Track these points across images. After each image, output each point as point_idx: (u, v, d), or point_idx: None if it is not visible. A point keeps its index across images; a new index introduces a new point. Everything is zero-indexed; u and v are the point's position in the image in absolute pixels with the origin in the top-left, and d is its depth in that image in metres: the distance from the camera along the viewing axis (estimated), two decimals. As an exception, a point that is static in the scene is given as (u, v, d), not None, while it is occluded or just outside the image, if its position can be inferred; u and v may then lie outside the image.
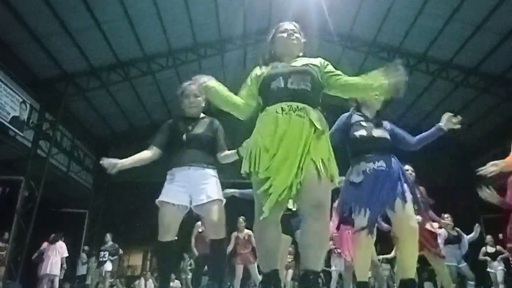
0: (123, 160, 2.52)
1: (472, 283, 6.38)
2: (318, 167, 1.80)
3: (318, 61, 2.09)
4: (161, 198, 2.57)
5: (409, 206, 2.49)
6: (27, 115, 8.88)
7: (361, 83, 2.00)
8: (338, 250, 6.30)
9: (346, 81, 2.02)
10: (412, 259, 2.52)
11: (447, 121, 2.67)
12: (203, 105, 2.84)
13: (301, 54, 2.17)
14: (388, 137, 2.68)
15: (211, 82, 2.10)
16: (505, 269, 7.62)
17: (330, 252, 8.10)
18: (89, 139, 12.49)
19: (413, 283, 2.49)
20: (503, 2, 7.94)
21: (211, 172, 2.66)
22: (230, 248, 6.34)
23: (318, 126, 1.88)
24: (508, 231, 3.11)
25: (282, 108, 1.89)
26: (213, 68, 11.16)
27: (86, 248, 10.79)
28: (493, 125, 11.43)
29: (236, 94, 2.15)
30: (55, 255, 7.99)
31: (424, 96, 11.53)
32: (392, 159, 2.62)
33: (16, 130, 8.50)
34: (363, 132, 2.65)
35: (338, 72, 2.07)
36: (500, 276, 7.49)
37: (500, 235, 7.77)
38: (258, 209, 1.88)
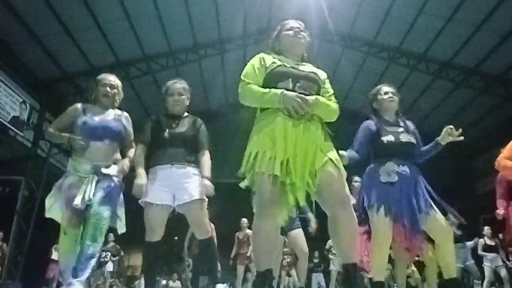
0: (143, 179, 2.56)
1: (478, 281, 6.38)
2: (336, 164, 1.84)
3: (322, 73, 2.10)
4: (144, 198, 2.57)
5: (438, 211, 2.54)
6: (27, 115, 8.88)
7: (325, 106, 1.95)
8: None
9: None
10: (452, 259, 2.57)
11: (444, 135, 2.66)
12: (187, 104, 2.85)
13: (305, 54, 2.15)
14: (414, 141, 2.69)
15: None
16: (504, 264, 7.48)
17: (329, 251, 8.09)
18: (89, 139, 12.47)
19: (458, 282, 2.54)
20: (503, 2, 7.93)
21: (193, 171, 2.65)
22: (235, 249, 6.44)
23: (325, 130, 1.91)
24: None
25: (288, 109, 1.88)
26: (213, 68, 11.18)
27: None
28: (493, 125, 11.42)
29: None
30: None
31: (424, 96, 11.52)
32: (414, 165, 2.65)
33: (16, 130, 8.50)
34: (390, 138, 2.64)
35: (331, 92, 2.08)
36: (504, 273, 7.37)
37: (500, 235, 7.75)
38: (260, 209, 1.88)
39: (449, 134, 2.64)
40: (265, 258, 1.88)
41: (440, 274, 2.78)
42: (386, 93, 2.80)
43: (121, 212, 2.69)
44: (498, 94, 10.40)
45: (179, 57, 10.47)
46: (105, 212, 2.53)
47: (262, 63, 2.02)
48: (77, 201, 2.45)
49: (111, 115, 2.75)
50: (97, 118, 2.67)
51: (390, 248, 2.77)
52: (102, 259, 9.14)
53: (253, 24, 10.26)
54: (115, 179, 2.66)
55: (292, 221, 4.18)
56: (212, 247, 2.75)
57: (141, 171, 2.59)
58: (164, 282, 11.95)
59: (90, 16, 8.20)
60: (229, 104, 12.48)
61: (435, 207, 2.53)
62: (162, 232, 2.63)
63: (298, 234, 4.29)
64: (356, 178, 4.79)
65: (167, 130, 2.69)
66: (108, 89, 2.75)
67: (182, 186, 2.57)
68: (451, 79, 10.52)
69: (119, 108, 2.88)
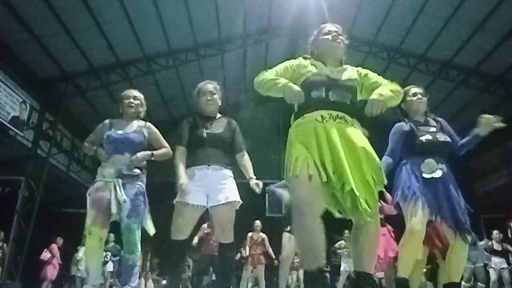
0: (184, 179, 2.54)
1: (483, 285, 6.36)
2: (373, 174, 1.82)
3: (357, 72, 2.08)
4: (180, 198, 2.55)
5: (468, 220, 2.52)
6: (27, 115, 8.88)
7: (383, 95, 1.93)
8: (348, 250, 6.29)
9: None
10: (463, 265, 2.59)
11: (485, 126, 2.63)
12: (219, 104, 2.86)
13: (344, 57, 2.15)
14: (450, 140, 2.68)
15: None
16: (508, 267, 7.49)
17: (336, 252, 8.05)
18: (89, 139, 12.47)
19: (459, 286, 2.53)
20: (503, 2, 7.93)
21: (229, 173, 2.66)
22: (247, 249, 6.45)
23: (361, 132, 1.91)
24: None
25: (322, 116, 1.89)
26: (213, 68, 11.16)
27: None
28: (493, 125, 11.42)
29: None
30: None
31: (424, 96, 11.50)
32: (448, 165, 2.63)
33: (16, 130, 8.49)
34: (428, 137, 2.62)
35: (375, 78, 2.08)
36: (506, 276, 7.35)
37: (501, 235, 7.75)
38: (302, 205, 1.80)
39: (487, 124, 2.62)
40: (313, 256, 1.78)
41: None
42: (415, 94, 2.80)
43: (147, 214, 2.81)
44: (498, 94, 10.39)
45: (179, 57, 10.47)
46: (134, 225, 2.69)
47: (298, 64, 2.06)
48: (114, 209, 2.62)
49: (134, 127, 2.90)
50: (120, 131, 2.84)
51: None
52: (103, 259, 9.16)
53: (253, 24, 10.24)
54: (140, 184, 2.77)
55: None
56: (232, 252, 2.75)
57: (181, 173, 2.57)
58: (164, 282, 11.94)
59: (90, 16, 8.19)
60: (229, 104, 12.48)
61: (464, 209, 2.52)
62: (189, 232, 2.64)
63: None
64: None
65: (204, 130, 2.69)
66: (131, 100, 2.95)
67: (217, 187, 2.58)
68: (451, 79, 10.52)
69: (144, 119, 3.02)
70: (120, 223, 2.70)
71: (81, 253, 8.98)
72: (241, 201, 2.64)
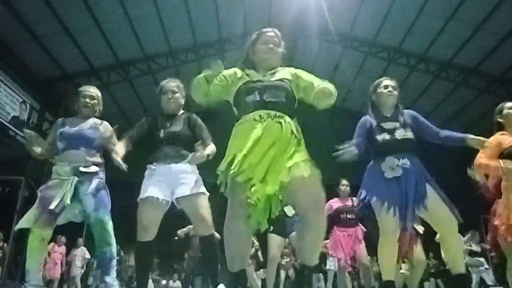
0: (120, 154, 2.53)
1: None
2: (306, 166, 1.83)
3: (290, 73, 2.10)
4: (143, 194, 2.51)
5: (441, 202, 2.44)
6: (27, 115, 8.88)
7: (322, 92, 1.99)
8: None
9: (314, 92, 2.02)
10: (459, 252, 2.50)
11: (475, 142, 2.66)
12: (182, 102, 2.85)
13: (278, 65, 2.17)
14: (412, 136, 2.61)
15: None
16: (491, 268, 7.45)
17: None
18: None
19: (467, 278, 2.45)
20: (503, 2, 7.93)
21: (192, 168, 2.62)
22: None
23: (295, 133, 1.92)
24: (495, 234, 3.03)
25: (260, 115, 1.93)
26: (213, 68, 11.14)
27: (84, 248, 10.79)
28: (493, 125, 11.41)
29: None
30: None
31: (424, 96, 11.51)
32: (416, 158, 2.57)
33: (16, 130, 8.49)
34: (385, 136, 2.58)
35: (311, 80, 2.07)
36: (487, 277, 7.32)
37: (478, 236, 7.69)
38: (232, 210, 1.89)
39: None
40: (237, 259, 1.91)
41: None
42: (386, 86, 2.72)
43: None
44: (498, 94, 10.38)
45: (179, 57, 10.47)
46: (105, 216, 2.62)
47: (231, 74, 2.12)
48: (53, 205, 2.50)
49: (89, 124, 2.83)
50: (74, 128, 2.76)
51: None
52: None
53: (253, 24, 10.22)
54: (99, 179, 2.70)
55: (292, 223, 4.16)
56: (214, 245, 2.67)
57: (120, 152, 2.54)
58: (164, 282, 11.95)
59: (90, 16, 8.20)
60: (229, 104, 12.45)
61: (437, 196, 2.44)
62: (155, 231, 2.53)
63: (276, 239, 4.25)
64: (344, 181, 4.78)
65: (162, 129, 2.68)
66: (87, 100, 2.86)
67: (181, 180, 2.54)
68: (451, 79, 10.52)
69: (100, 118, 2.95)
70: (88, 220, 2.61)
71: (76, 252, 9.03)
72: (207, 193, 2.60)
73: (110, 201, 2.73)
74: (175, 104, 2.80)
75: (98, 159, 2.78)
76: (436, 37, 9.51)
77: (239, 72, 2.14)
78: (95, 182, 2.66)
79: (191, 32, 9.86)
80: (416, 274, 3.94)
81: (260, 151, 1.83)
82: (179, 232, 6.31)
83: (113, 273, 2.60)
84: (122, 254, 9.80)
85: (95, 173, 2.70)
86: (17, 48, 8.39)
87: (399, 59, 10.57)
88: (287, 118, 1.94)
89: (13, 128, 8.37)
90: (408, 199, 2.44)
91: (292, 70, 2.14)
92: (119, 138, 2.78)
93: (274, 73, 2.11)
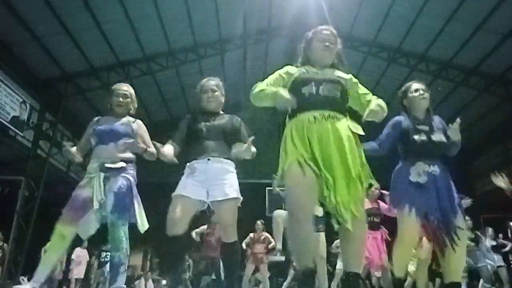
0: (167, 153, 2.50)
1: (489, 285, 6.34)
2: (360, 176, 1.89)
3: (349, 76, 2.16)
4: (178, 191, 2.49)
5: (462, 218, 2.51)
6: (27, 115, 8.88)
7: (379, 109, 2.03)
8: None
9: (367, 105, 2.06)
10: (462, 263, 2.58)
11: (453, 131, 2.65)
12: (222, 101, 2.83)
13: (335, 61, 2.22)
14: (446, 140, 2.64)
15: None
16: (505, 265, 7.47)
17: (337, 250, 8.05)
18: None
19: (459, 286, 2.52)
20: (503, 2, 7.93)
21: (230, 168, 2.58)
22: (247, 249, 6.48)
23: (354, 130, 1.95)
24: None
25: (314, 116, 1.94)
26: (213, 68, 11.15)
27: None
28: (493, 125, 11.42)
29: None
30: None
31: (424, 96, 11.50)
32: (444, 165, 2.61)
33: (16, 130, 8.50)
34: (423, 137, 2.60)
35: (365, 91, 2.14)
36: (504, 274, 7.35)
37: (501, 235, 7.75)
38: (296, 210, 1.89)
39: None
40: (305, 257, 1.90)
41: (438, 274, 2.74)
42: (416, 90, 2.76)
43: (138, 208, 2.65)
44: (498, 94, 10.39)
45: (179, 57, 10.46)
46: (118, 221, 2.53)
47: (286, 71, 2.13)
48: (96, 205, 2.52)
49: (122, 121, 2.82)
50: (106, 124, 2.77)
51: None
52: (102, 259, 9.17)
53: (253, 24, 10.25)
54: (126, 176, 2.64)
55: (317, 223, 4.15)
56: (236, 252, 2.64)
57: (168, 154, 2.51)
58: (164, 282, 11.94)
59: (90, 16, 8.20)
60: (229, 104, 12.45)
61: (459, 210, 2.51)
62: (185, 227, 2.50)
63: (318, 238, 4.25)
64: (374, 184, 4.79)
65: (203, 123, 2.65)
66: (121, 99, 2.85)
67: (217, 182, 2.50)
68: (451, 79, 10.52)
69: (134, 116, 2.94)
70: (106, 221, 2.57)
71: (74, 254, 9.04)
72: (241, 198, 2.56)
73: (135, 202, 2.65)
74: (215, 103, 2.77)
75: (128, 154, 2.72)
76: (436, 37, 9.52)
77: (293, 68, 2.16)
78: (120, 181, 2.59)
79: (191, 32, 9.85)
80: (421, 274, 3.95)
81: (319, 154, 1.88)
82: (193, 233, 6.32)
83: (121, 280, 2.54)
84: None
85: (123, 169, 2.64)
86: (17, 48, 8.39)
87: (399, 59, 10.57)
88: (341, 117, 1.97)
89: (13, 128, 8.37)
90: (442, 206, 2.47)
91: (352, 76, 2.18)
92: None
93: (332, 70, 2.15)
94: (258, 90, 2.06)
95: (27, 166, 9.12)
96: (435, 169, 2.54)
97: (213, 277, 7.09)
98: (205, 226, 6.42)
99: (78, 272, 9.08)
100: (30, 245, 8.74)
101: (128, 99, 2.89)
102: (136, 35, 9.23)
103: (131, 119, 2.89)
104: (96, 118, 2.91)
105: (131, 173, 2.69)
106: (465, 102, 11.21)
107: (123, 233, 2.54)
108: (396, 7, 8.99)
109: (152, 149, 2.71)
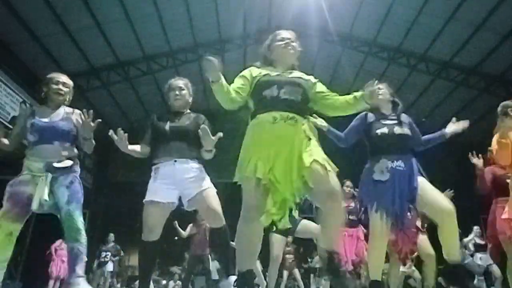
0: (128, 146, 2.60)
1: (482, 277, 6.33)
2: (322, 163, 1.88)
3: (309, 78, 2.18)
4: (149, 197, 2.53)
5: (434, 190, 2.49)
6: (27, 115, 8.87)
7: (344, 103, 2.10)
8: None
9: (331, 103, 2.14)
10: (455, 239, 2.52)
11: (451, 125, 2.74)
12: (189, 100, 2.84)
13: (296, 63, 2.25)
14: (410, 133, 2.69)
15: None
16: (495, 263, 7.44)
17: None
18: (89, 139, 12.47)
19: (464, 270, 2.55)
20: (503, 2, 7.94)
21: (196, 165, 2.61)
22: None
23: (308, 134, 1.97)
24: (498, 222, 3.10)
25: (274, 117, 1.97)
26: (213, 68, 11.14)
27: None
28: (493, 125, 11.40)
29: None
30: None
31: (424, 96, 11.52)
32: (411, 159, 2.61)
33: None
34: (384, 130, 2.65)
35: (327, 92, 2.18)
36: (495, 270, 7.32)
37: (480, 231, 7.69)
38: (247, 212, 1.94)
39: (456, 125, 2.76)
40: (247, 259, 1.98)
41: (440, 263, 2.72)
42: (379, 88, 2.82)
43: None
44: (498, 94, 10.39)
45: (179, 57, 10.47)
46: (76, 211, 2.51)
47: (249, 72, 2.16)
48: (35, 206, 2.43)
49: (61, 114, 2.72)
50: (45, 120, 2.65)
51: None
52: (102, 259, 9.16)
53: (253, 24, 10.24)
54: (74, 174, 2.63)
55: (293, 222, 4.16)
56: (225, 235, 2.65)
57: (131, 146, 2.61)
58: (164, 282, 11.95)
59: (90, 16, 8.20)
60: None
61: (430, 186, 2.50)
62: (160, 231, 2.56)
63: (306, 223, 4.25)
64: (348, 182, 4.81)
65: (168, 123, 2.67)
66: (61, 86, 2.77)
67: (187, 182, 2.53)
68: (451, 79, 10.52)
69: (71, 106, 2.84)
70: (60, 213, 2.52)
71: None
72: (213, 187, 2.60)
73: (83, 196, 2.62)
74: (182, 101, 2.79)
75: (72, 151, 2.68)
76: (436, 37, 9.52)
77: (256, 69, 2.19)
78: (70, 176, 2.58)
79: (191, 32, 9.86)
80: (428, 268, 3.96)
81: (275, 154, 1.90)
82: (180, 232, 6.33)
83: (81, 270, 2.46)
84: (122, 254, 9.79)
85: (69, 167, 2.60)
86: (17, 48, 8.39)
87: (399, 59, 10.57)
88: (300, 119, 2.00)
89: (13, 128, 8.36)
90: (402, 199, 2.49)
91: (311, 77, 2.20)
92: (133, 140, 2.72)
93: (293, 72, 2.19)
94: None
95: (27, 166, 9.11)
96: (399, 163, 2.55)
97: (212, 277, 7.10)
98: (191, 225, 6.47)
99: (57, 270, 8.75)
100: (30, 245, 8.73)
101: (67, 89, 2.80)
102: (136, 35, 9.23)
103: (68, 109, 2.78)
104: (28, 110, 2.79)
105: (77, 170, 2.67)
106: (465, 102, 11.22)
107: (80, 223, 2.52)
108: (396, 7, 8.99)
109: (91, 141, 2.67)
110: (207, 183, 2.58)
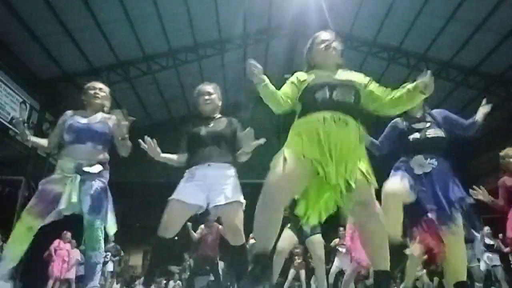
0: (161, 154, 2.62)
1: (480, 285, 6.33)
2: (366, 175, 1.87)
3: (361, 77, 2.14)
4: (176, 196, 2.51)
5: (459, 215, 2.52)
6: (27, 115, 8.88)
7: (401, 99, 2.04)
8: (343, 248, 6.28)
9: (388, 100, 2.06)
10: (465, 260, 2.56)
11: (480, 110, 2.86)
12: (219, 104, 2.84)
13: (340, 62, 2.22)
14: (443, 134, 2.72)
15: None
16: (501, 265, 7.46)
17: (335, 248, 8.09)
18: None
19: (467, 285, 2.52)
20: (503, 2, 7.94)
21: (230, 172, 2.59)
22: None
23: (358, 138, 1.94)
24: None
25: (324, 117, 1.91)
26: (213, 68, 11.16)
27: (83, 248, 10.75)
28: (493, 125, 11.42)
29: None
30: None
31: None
32: (444, 159, 2.66)
33: (16, 130, 8.48)
34: (416, 135, 2.69)
35: (381, 90, 2.11)
36: (500, 273, 7.36)
37: (500, 235, 7.74)
38: (270, 192, 1.85)
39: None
40: (265, 242, 1.87)
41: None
42: None
43: (109, 212, 2.68)
44: (498, 94, 10.39)
45: (179, 57, 10.47)
46: (96, 221, 2.57)
47: (297, 77, 2.12)
48: (63, 205, 2.47)
49: (98, 118, 2.79)
50: (83, 121, 2.72)
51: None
52: (102, 260, 9.16)
53: (253, 24, 10.24)
54: (101, 180, 2.66)
55: (310, 229, 4.15)
56: (245, 254, 2.65)
57: (164, 155, 2.64)
58: (164, 282, 11.95)
59: (90, 16, 8.19)
60: (229, 104, 12.49)
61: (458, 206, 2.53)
62: (177, 230, 2.55)
63: (316, 240, 4.25)
64: None
65: (203, 128, 2.67)
66: (97, 91, 2.87)
67: (217, 187, 2.50)
68: (451, 79, 10.52)
69: (109, 113, 2.90)
70: (83, 219, 2.59)
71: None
72: (244, 202, 2.55)
73: (108, 204, 2.67)
74: (212, 105, 2.79)
75: (104, 156, 2.73)
76: (436, 37, 9.52)
77: (302, 74, 2.15)
78: (96, 184, 2.61)
79: (191, 32, 9.85)
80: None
81: (320, 153, 1.86)
82: (192, 235, 6.30)
83: (97, 279, 2.56)
84: (122, 254, 9.80)
85: (98, 174, 2.64)
86: (17, 48, 8.39)
87: (399, 59, 10.57)
88: (351, 121, 1.94)
89: (13, 128, 8.36)
90: (442, 198, 2.48)
91: (364, 76, 2.17)
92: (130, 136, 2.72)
93: (343, 72, 2.15)
94: (267, 88, 2.01)
95: (27, 166, 9.12)
96: (432, 162, 2.60)
97: (211, 278, 7.10)
98: (203, 226, 6.44)
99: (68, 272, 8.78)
100: (30, 245, 8.71)
101: (104, 93, 2.90)
102: (136, 35, 9.23)
103: (107, 115, 2.85)
104: (69, 112, 2.86)
105: (105, 176, 2.71)
106: (465, 102, 11.21)
107: (100, 233, 2.58)
108: (396, 7, 8.99)
109: (128, 142, 2.71)
110: (239, 196, 2.54)
